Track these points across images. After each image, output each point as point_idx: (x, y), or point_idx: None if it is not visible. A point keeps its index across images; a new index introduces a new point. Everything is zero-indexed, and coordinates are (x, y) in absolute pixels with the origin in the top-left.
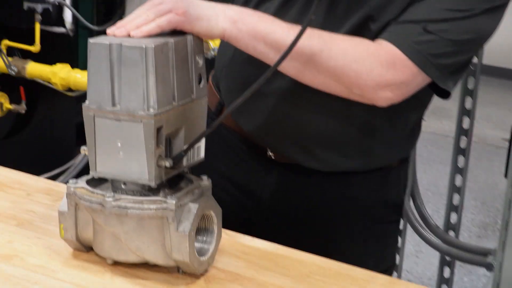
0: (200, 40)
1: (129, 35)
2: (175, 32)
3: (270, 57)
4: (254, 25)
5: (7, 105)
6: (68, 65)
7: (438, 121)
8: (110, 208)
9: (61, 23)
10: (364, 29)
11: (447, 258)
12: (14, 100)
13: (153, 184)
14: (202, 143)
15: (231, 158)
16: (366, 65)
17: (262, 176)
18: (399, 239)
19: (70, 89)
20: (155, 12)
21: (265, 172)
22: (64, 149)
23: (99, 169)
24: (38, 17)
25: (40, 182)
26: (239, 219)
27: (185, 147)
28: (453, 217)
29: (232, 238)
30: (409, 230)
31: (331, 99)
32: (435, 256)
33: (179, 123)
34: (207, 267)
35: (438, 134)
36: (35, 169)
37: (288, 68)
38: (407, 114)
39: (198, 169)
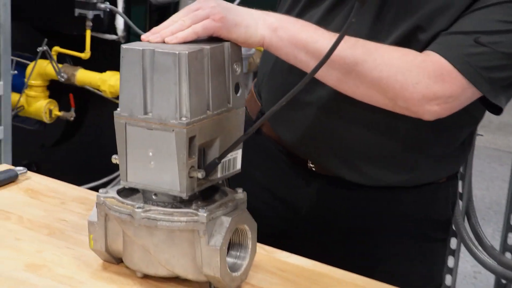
0: (238, 48)
1: (163, 42)
2: (213, 39)
3: (311, 66)
4: (295, 33)
5: (56, 112)
6: (118, 72)
7: (504, 137)
8: (139, 219)
9: (113, 30)
10: (413, 39)
11: (503, 281)
12: (63, 107)
13: (184, 195)
14: (239, 155)
15: (271, 169)
16: (412, 77)
17: (302, 188)
18: (453, 259)
19: (119, 97)
20: (191, 18)
21: (306, 184)
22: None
23: (130, 179)
24: (89, 24)
25: (75, 190)
26: (278, 232)
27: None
28: (511, 238)
29: (269, 254)
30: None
31: (374, 111)
32: (493, 278)
33: (214, 133)
34: (240, 283)
35: (503, 151)
36: (83, 178)
37: (329, 77)
38: (456, 129)
39: (238, 180)
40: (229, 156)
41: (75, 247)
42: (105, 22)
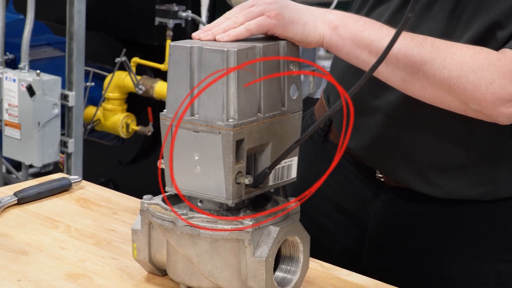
0: (295, 47)
1: (215, 40)
2: (269, 38)
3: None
4: (357, 31)
5: (134, 127)
6: None
7: None
8: (181, 227)
9: None
10: (490, 37)
11: None
12: (141, 121)
13: (230, 202)
14: (294, 162)
15: (338, 181)
16: (485, 76)
17: (369, 201)
18: None
19: None
20: (245, 14)
21: (373, 196)
22: None
23: (176, 185)
24: (169, 33)
25: (130, 201)
26: (343, 249)
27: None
28: None
29: (326, 271)
30: None
31: (446, 117)
32: None
33: (266, 138)
34: None
35: None
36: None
37: (395, 78)
38: None
39: (301, 192)
40: (283, 163)
41: (120, 257)
42: (187, 32)
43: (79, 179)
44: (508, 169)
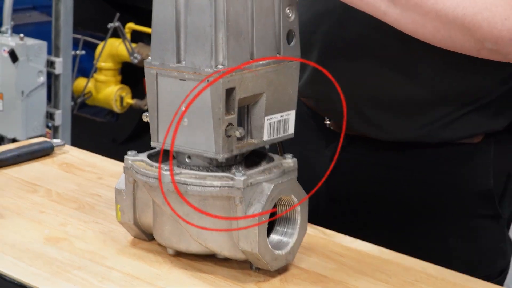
0: None
1: None
2: None
3: (382, 10)
4: None
5: (128, 100)
6: None
7: None
8: (167, 183)
9: None
10: None
11: None
12: (137, 94)
13: (220, 157)
14: (292, 116)
15: (302, 136)
16: (500, 12)
17: (321, 151)
18: None
19: None
20: None
21: (325, 145)
22: None
23: (161, 139)
24: None
25: (117, 166)
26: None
27: (269, 119)
28: None
29: (328, 238)
30: None
31: (386, 49)
32: None
33: (259, 88)
34: (284, 264)
35: None
36: None
37: (404, 20)
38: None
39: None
40: (279, 116)
41: (104, 222)
42: None
43: (62, 143)
44: (454, 107)
